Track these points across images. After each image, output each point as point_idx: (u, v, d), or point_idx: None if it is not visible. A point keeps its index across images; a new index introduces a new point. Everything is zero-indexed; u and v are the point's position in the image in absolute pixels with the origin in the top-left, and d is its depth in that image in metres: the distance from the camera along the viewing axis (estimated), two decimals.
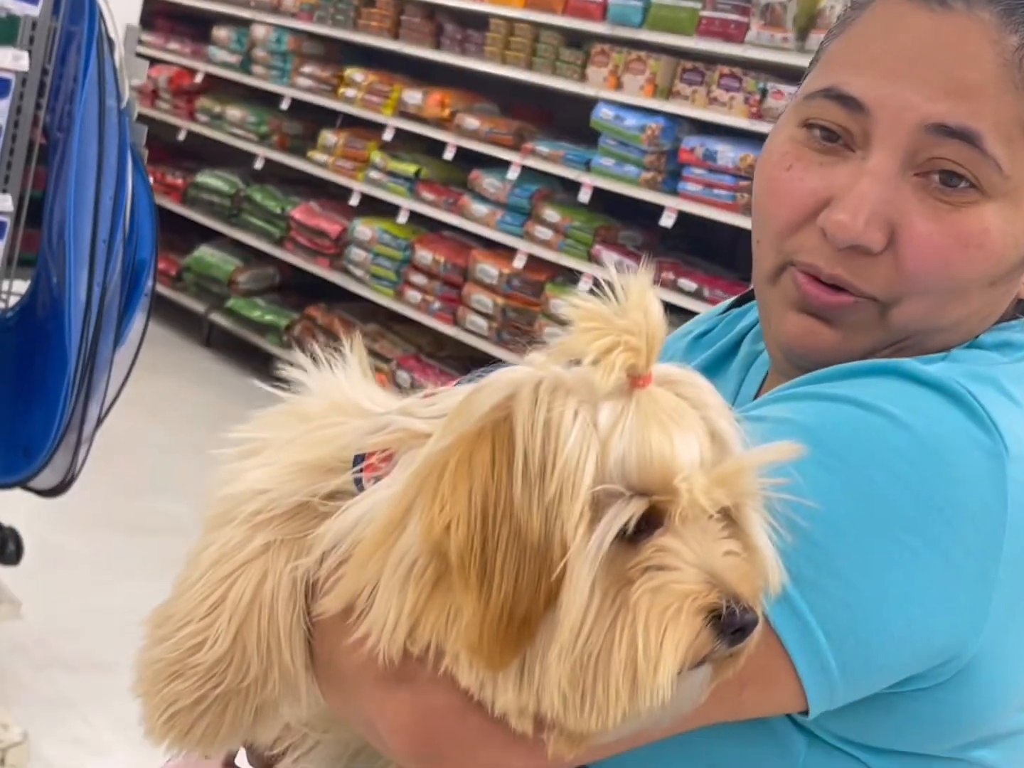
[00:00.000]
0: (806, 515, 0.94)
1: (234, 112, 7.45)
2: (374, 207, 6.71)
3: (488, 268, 5.99)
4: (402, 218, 6.46)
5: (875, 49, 1.09)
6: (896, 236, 1.07)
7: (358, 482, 0.94)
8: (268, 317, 7.01)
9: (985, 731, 1.04)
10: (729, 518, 0.88)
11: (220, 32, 7.64)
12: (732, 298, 1.41)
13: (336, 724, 1.06)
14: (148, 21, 8.19)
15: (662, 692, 0.82)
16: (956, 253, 1.07)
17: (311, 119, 7.20)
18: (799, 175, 1.11)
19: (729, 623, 0.83)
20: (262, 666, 0.98)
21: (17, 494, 3.51)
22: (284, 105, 7.19)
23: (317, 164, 6.97)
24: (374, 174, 6.65)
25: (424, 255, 6.31)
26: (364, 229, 6.61)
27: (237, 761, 1.22)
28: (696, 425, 0.87)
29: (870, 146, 1.08)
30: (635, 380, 0.86)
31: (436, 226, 6.44)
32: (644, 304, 0.86)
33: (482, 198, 6.07)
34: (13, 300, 3.67)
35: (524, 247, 5.83)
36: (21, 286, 3.67)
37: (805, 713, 0.98)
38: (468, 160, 6.21)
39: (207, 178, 7.56)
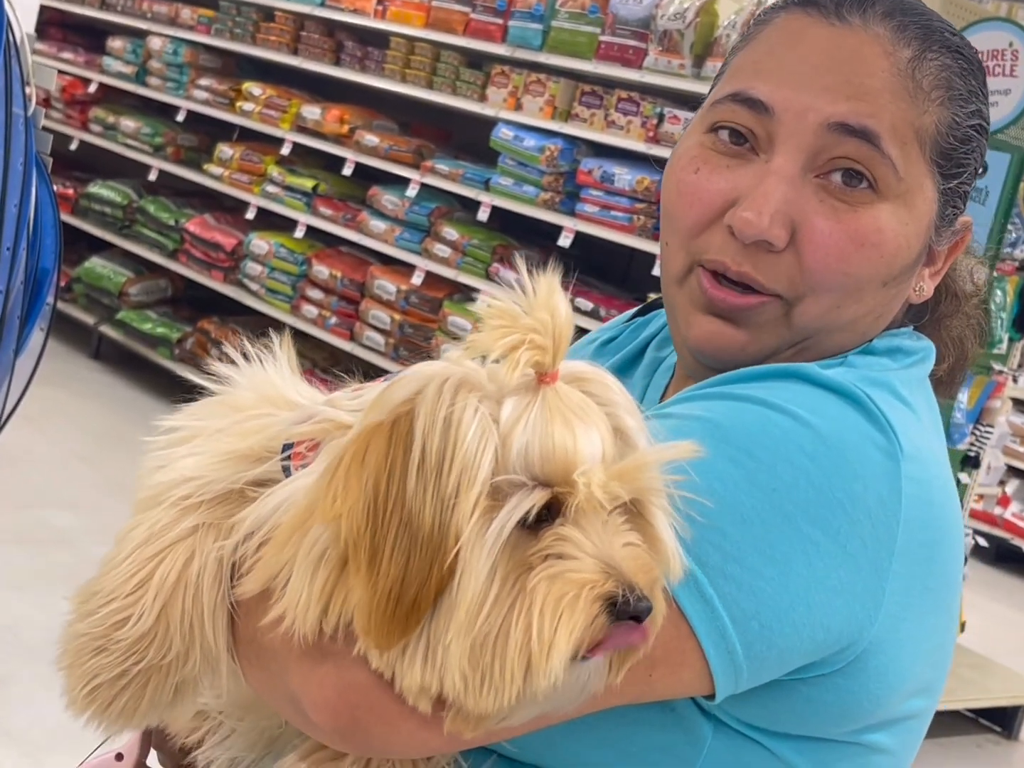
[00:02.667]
0: (715, 506, 1.00)
1: (128, 123, 7.38)
2: (271, 221, 6.70)
3: (386, 284, 6.02)
4: (299, 233, 6.46)
5: (778, 58, 1.17)
6: (797, 234, 1.14)
7: (286, 470, 0.98)
8: (160, 330, 6.95)
9: (880, 716, 1.10)
10: (633, 511, 0.93)
11: (115, 43, 7.57)
12: (637, 307, 1.47)
13: (252, 711, 1.10)
14: (40, 30, 8.07)
15: (554, 676, 0.86)
16: (852, 251, 1.14)
17: (207, 132, 7.17)
18: (706, 177, 1.18)
19: (623, 611, 0.87)
20: (184, 644, 1.01)
21: None
22: (180, 117, 7.15)
23: (213, 177, 6.93)
24: (271, 188, 6.63)
25: (321, 270, 6.32)
26: (260, 243, 6.59)
27: (149, 762, 1.25)
28: (600, 421, 0.91)
29: (773, 148, 1.15)
30: (542, 377, 0.90)
31: (334, 241, 6.45)
32: (551, 304, 0.90)
33: (381, 214, 6.10)
34: None
35: (422, 264, 5.86)
36: None
37: (711, 697, 1.03)
38: (367, 176, 6.23)
39: (99, 189, 7.48)
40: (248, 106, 6.79)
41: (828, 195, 1.14)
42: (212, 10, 7.08)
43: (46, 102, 7.70)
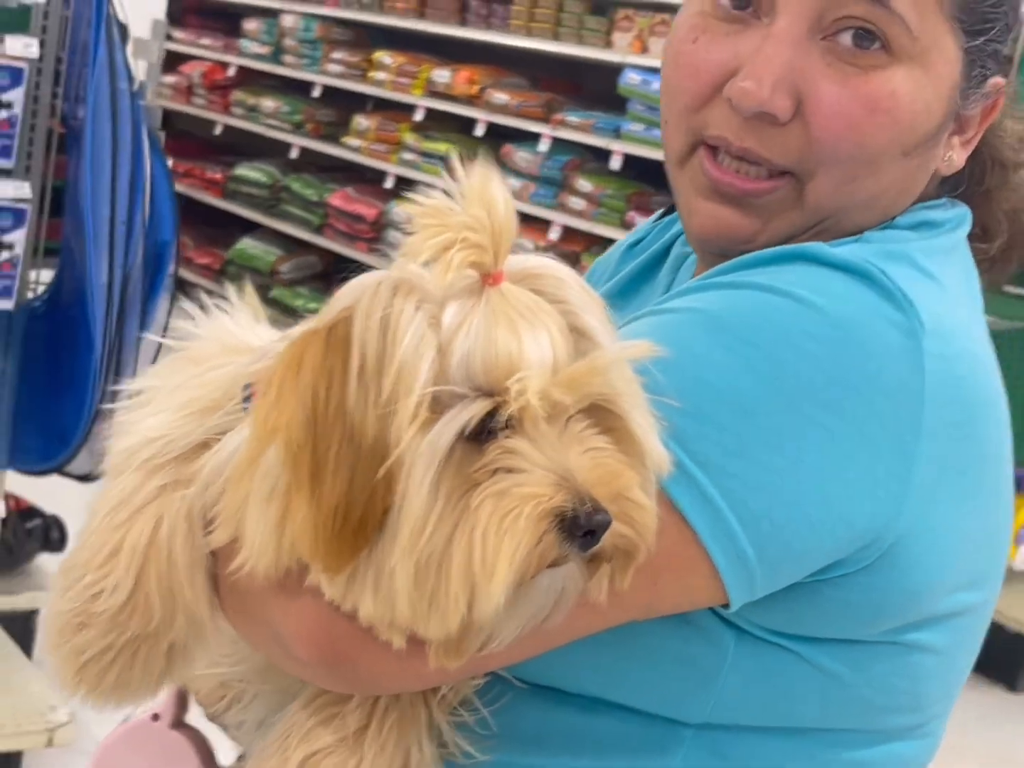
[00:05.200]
0: (711, 399, 0.94)
1: (268, 103, 7.48)
2: (410, 189, 6.69)
3: (523, 242, 5.96)
4: None
5: None
6: (803, 102, 1.04)
7: (247, 411, 0.93)
8: (312, 305, 7.04)
9: (920, 613, 1.02)
10: (604, 415, 0.86)
11: (250, 24, 7.67)
12: (668, 205, 1.38)
13: (273, 673, 1.05)
14: (179, 18, 8.26)
15: (496, 599, 0.80)
16: (864, 117, 1.04)
17: (343, 105, 7.22)
18: (705, 47, 1.08)
19: (575, 525, 0.81)
20: (166, 608, 0.97)
21: (59, 482, 3.55)
22: (316, 93, 7.21)
23: (351, 149, 6.98)
24: (407, 155, 6.65)
25: None
26: (400, 211, 6.61)
27: (187, 720, 1.22)
28: (552, 322, 0.84)
29: (775, 10, 1.05)
30: (485, 278, 0.83)
31: None
32: (487, 197, 0.83)
33: (515, 172, 6.05)
34: (41, 289, 3.70)
35: (558, 219, 5.81)
36: (48, 276, 3.70)
37: (727, 606, 0.96)
38: (499, 136, 6.19)
39: (245, 171, 7.60)
40: (380, 75, 6.81)
41: (836, 58, 1.04)
42: None
43: (189, 90, 7.87)
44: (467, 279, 0.83)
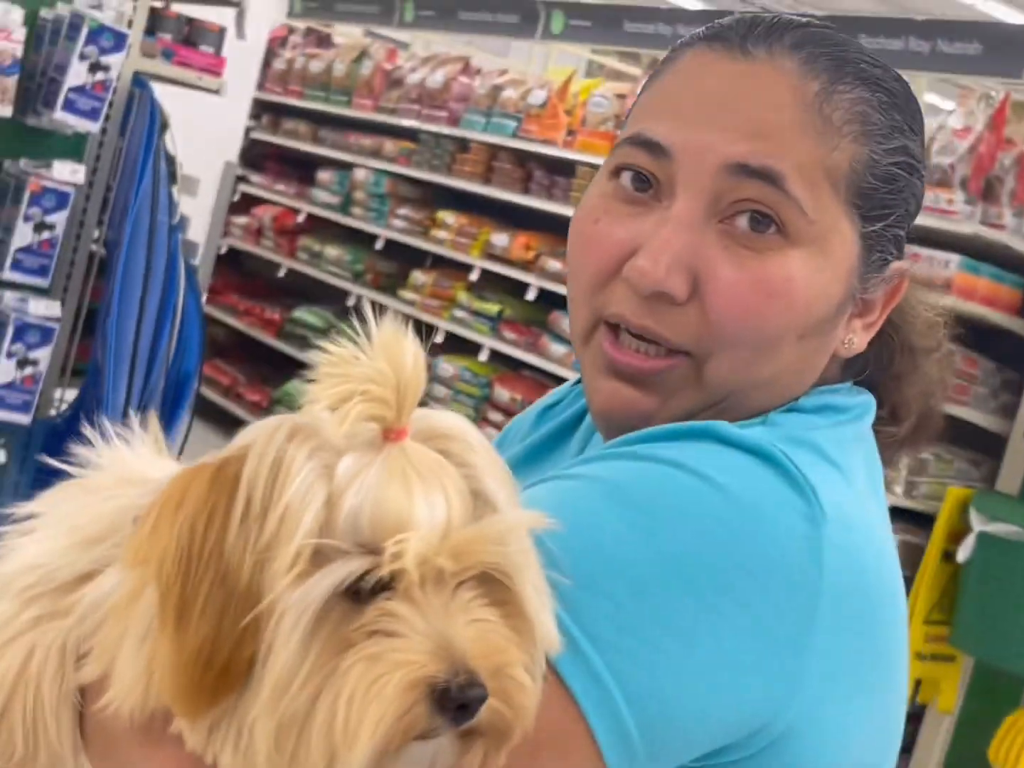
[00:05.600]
0: (608, 574, 0.91)
1: (332, 251, 7.65)
2: (457, 345, 6.79)
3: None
4: (483, 356, 6.53)
5: (679, 97, 1.08)
6: (700, 284, 1.05)
7: None
8: None
9: None
10: (496, 584, 0.83)
11: (324, 175, 7.90)
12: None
13: None
14: (259, 164, 8.53)
15: None
16: (760, 301, 1.04)
17: (403, 259, 7.36)
18: (606, 228, 1.09)
19: (447, 698, 0.77)
20: (28, 744, 0.92)
21: None
22: (379, 245, 7.37)
23: (406, 303, 7.10)
24: (459, 313, 6.75)
25: (502, 393, 6.36)
26: (447, 366, 6.68)
27: None
28: (450, 484, 0.82)
29: (674, 193, 1.06)
30: (387, 433, 0.81)
31: (516, 365, 6.49)
32: (393, 352, 0.81)
33: (560, 338, 6.11)
34: (64, 407, 3.77)
35: None
36: (73, 395, 3.78)
37: None
38: (549, 302, 6.27)
39: (303, 314, 7.74)
40: (442, 234, 6.95)
41: (733, 241, 1.05)
42: (413, 142, 7.31)
43: (258, 232, 8.08)
44: (369, 432, 0.81)
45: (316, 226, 7.94)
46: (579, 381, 1.32)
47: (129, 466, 0.96)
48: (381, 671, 0.77)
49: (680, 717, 0.91)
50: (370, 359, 0.81)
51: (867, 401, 1.14)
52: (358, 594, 0.79)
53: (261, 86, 8.52)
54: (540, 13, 7.02)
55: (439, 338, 6.86)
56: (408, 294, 7.12)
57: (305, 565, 0.77)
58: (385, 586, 0.79)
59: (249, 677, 0.78)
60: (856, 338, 1.12)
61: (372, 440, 0.81)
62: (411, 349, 0.82)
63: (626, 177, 1.09)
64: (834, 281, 1.07)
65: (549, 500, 0.95)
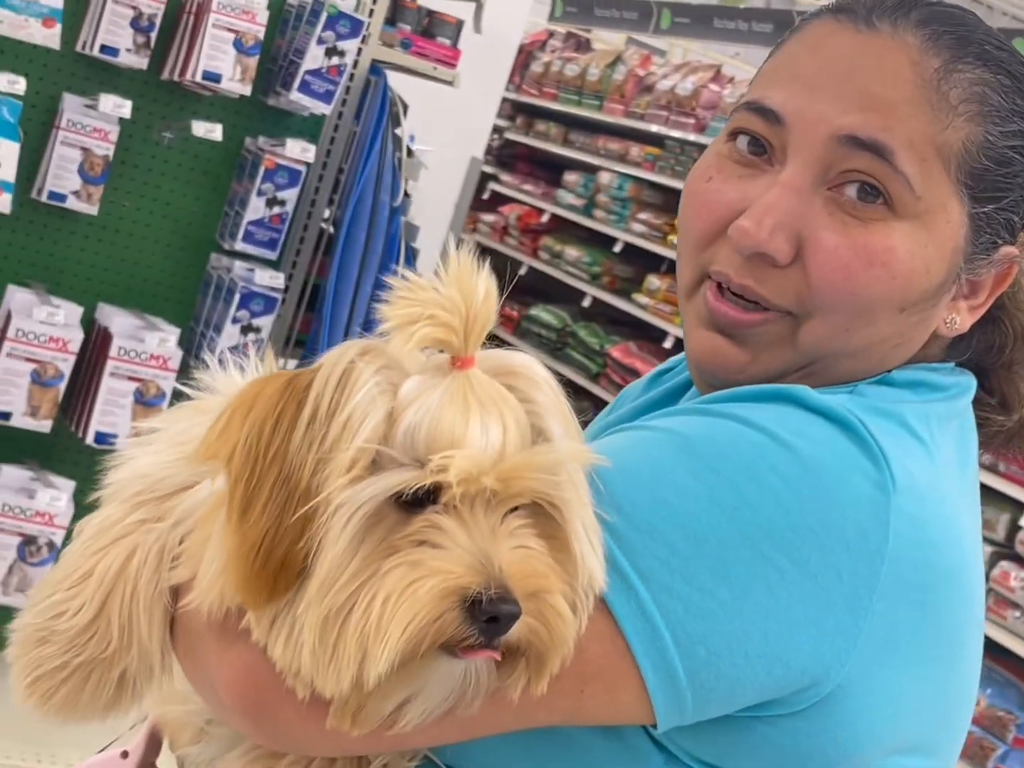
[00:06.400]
0: (667, 519, 0.94)
1: (572, 252, 7.75)
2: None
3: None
4: None
5: (798, 66, 1.10)
6: (803, 248, 1.06)
7: None
8: None
9: (850, 767, 0.99)
10: (547, 520, 0.87)
11: (570, 177, 8.00)
12: None
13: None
14: (510, 163, 8.70)
15: (383, 664, 0.81)
16: (860, 269, 1.05)
17: (640, 263, 7.40)
18: (717, 187, 1.11)
19: (479, 610, 0.81)
20: (123, 638, 0.99)
21: None
22: (617, 248, 7.42)
23: (639, 306, 7.13)
24: None
25: None
26: (681, 356, 6.68)
27: (156, 762, 1.22)
28: (511, 416, 0.85)
29: (786, 159, 1.08)
30: (454, 360, 0.85)
31: None
32: (464, 283, 0.85)
33: None
34: None
35: None
36: (292, 365, 3.95)
37: (655, 727, 0.95)
38: None
39: (540, 312, 7.87)
40: None
41: (838, 209, 1.07)
42: (659, 148, 7.34)
43: (504, 230, 8.25)
44: (439, 359, 0.86)
45: (559, 226, 8.06)
46: None
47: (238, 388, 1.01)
48: (418, 576, 0.81)
49: (728, 664, 0.93)
50: (442, 288, 0.85)
51: (967, 382, 1.13)
52: (410, 506, 0.84)
53: (519, 87, 8.69)
54: (795, 22, 6.94)
55: (668, 343, 6.87)
56: (642, 298, 7.16)
57: (361, 471, 0.82)
58: (436, 502, 0.84)
59: (304, 575, 0.84)
60: (959, 318, 1.12)
61: (440, 366, 0.86)
62: (484, 283, 0.87)
63: (742, 140, 1.11)
64: (937, 258, 1.07)
65: (620, 446, 0.99)
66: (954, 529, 1.03)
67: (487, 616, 0.81)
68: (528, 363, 0.90)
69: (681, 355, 1.37)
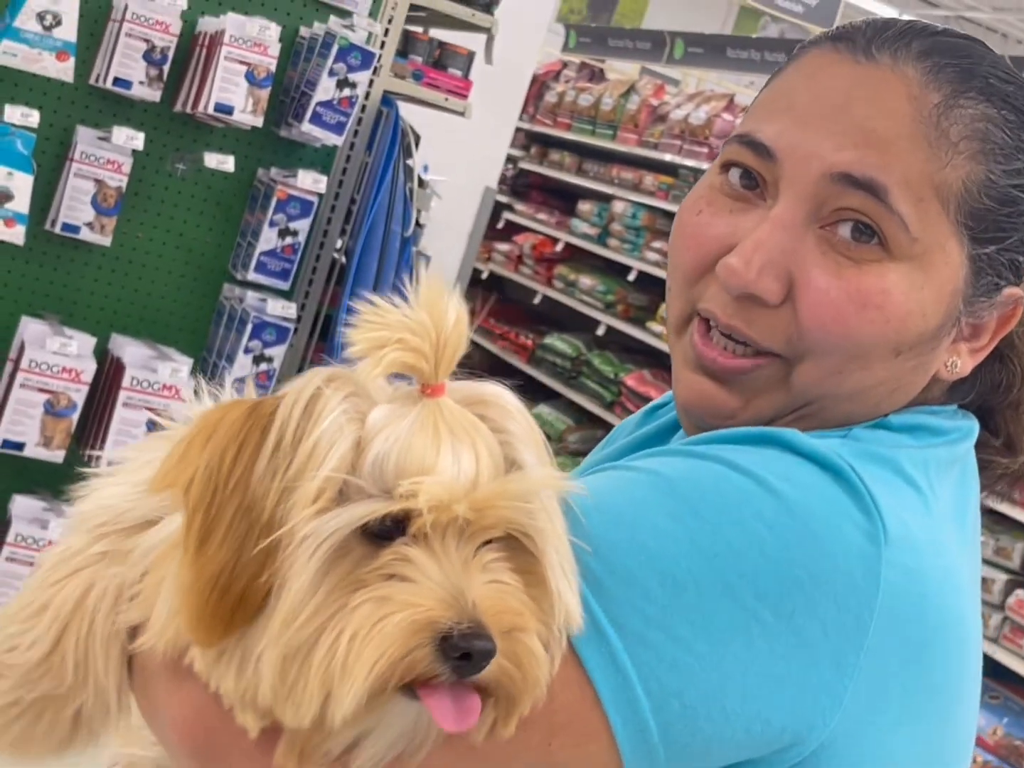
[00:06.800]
0: (643, 563, 0.89)
1: (586, 280, 7.76)
2: None
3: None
4: None
5: (793, 97, 1.05)
6: (794, 288, 1.02)
7: None
8: None
9: None
10: (522, 554, 0.83)
11: (584, 206, 8.02)
12: None
13: None
14: (525, 193, 8.74)
15: (348, 705, 0.77)
16: (853, 311, 1.01)
17: (655, 292, 7.39)
18: (707, 220, 1.08)
19: (450, 645, 0.76)
20: (78, 674, 0.95)
21: None
22: (631, 277, 7.42)
23: (653, 335, 7.13)
24: None
25: None
26: None
27: None
28: (483, 445, 0.82)
29: (778, 194, 1.04)
30: (424, 388, 0.82)
31: None
32: (435, 306, 0.82)
33: None
34: None
35: None
36: None
37: None
38: None
39: (554, 340, 7.87)
40: None
41: (831, 248, 1.02)
42: (672, 177, 7.35)
43: (519, 259, 8.27)
44: (408, 389, 0.83)
45: (573, 255, 8.07)
46: None
47: None
48: (386, 612, 0.77)
49: (704, 720, 0.88)
50: (411, 311, 0.81)
51: (969, 426, 1.10)
52: (379, 538, 0.80)
53: (533, 117, 8.72)
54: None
55: None
56: (656, 326, 7.15)
57: (327, 502, 0.78)
58: (405, 533, 0.80)
59: (262, 610, 0.79)
60: (960, 361, 1.08)
61: (409, 395, 0.83)
62: (455, 307, 0.82)
63: (734, 173, 1.07)
64: (934, 300, 1.03)
65: (600, 486, 0.95)
66: (951, 581, 0.98)
67: (459, 652, 0.77)
68: (500, 393, 0.86)
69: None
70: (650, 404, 1.35)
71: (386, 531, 0.80)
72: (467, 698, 0.79)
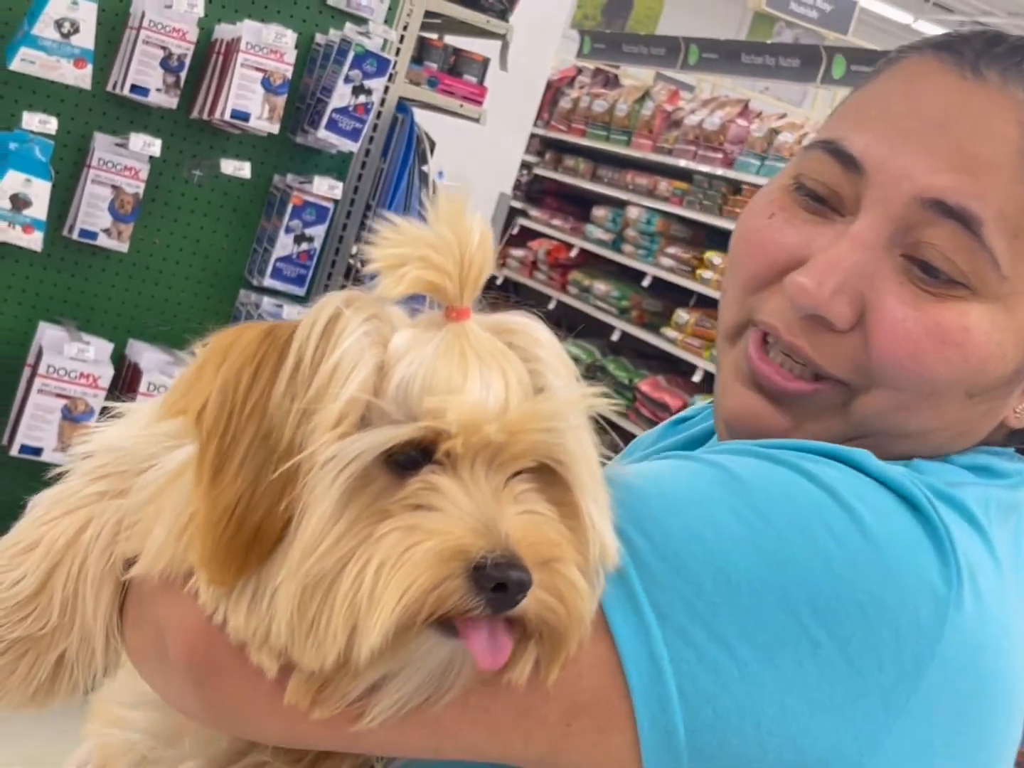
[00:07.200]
0: (700, 558, 0.83)
1: (600, 286, 7.77)
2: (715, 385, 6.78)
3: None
4: None
5: (888, 106, 0.98)
6: (867, 314, 0.95)
7: None
8: None
9: None
10: (554, 484, 0.78)
11: (599, 211, 8.03)
12: None
13: (174, 737, 0.96)
14: (540, 199, 8.75)
15: (377, 637, 0.72)
16: (930, 347, 0.94)
17: (669, 297, 7.40)
18: (779, 226, 1.00)
19: (483, 575, 0.71)
20: (64, 615, 0.90)
21: None
22: (646, 282, 7.43)
23: (668, 340, 7.14)
24: None
25: None
26: (702, 405, 6.68)
27: None
28: (512, 372, 0.77)
29: (859, 210, 0.97)
30: (449, 312, 0.77)
31: None
32: (457, 224, 0.76)
33: None
34: None
35: None
36: None
37: None
38: None
39: (569, 346, 7.84)
40: (707, 274, 6.96)
41: (911, 278, 0.95)
42: (686, 183, 7.36)
43: (533, 264, 8.28)
44: (432, 313, 0.78)
45: (588, 261, 8.08)
46: None
47: None
48: (414, 540, 0.72)
49: (734, 734, 0.82)
50: (432, 227, 0.76)
51: None
52: (404, 467, 0.75)
53: (547, 123, 8.74)
54: (822, 58, 6.98)
55: (697, 377, 6.87)
56: (671, 332, 7.15)
57: (349, 427, 0.73)
58: (433, 461, 0.75)
59: (279, 543, 0.75)
60: None
61: (434, 319, 0.78)
62: (480, 227, 0.77)
63: (811, 180, 1.00)
64: (1016, 343, 0.97)
65: (660, 471, 0.90)
66: (1008, 632, 0.91)
67: (494, 583, 0.71)
68: (528, 322, 0.82)
69: (701, 406, 1.29)
70: (672, 417, 1.30)
71: (411, 460, 0.75)
72: (500, 635, 0.75)
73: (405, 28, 3.80)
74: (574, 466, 0.77)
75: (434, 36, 4.22)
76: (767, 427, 1.00)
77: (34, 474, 3.29)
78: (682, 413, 1.29)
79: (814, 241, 0.98)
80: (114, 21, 3.48)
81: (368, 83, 3.49)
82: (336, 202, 3.63)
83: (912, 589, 0.84)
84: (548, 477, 0.78)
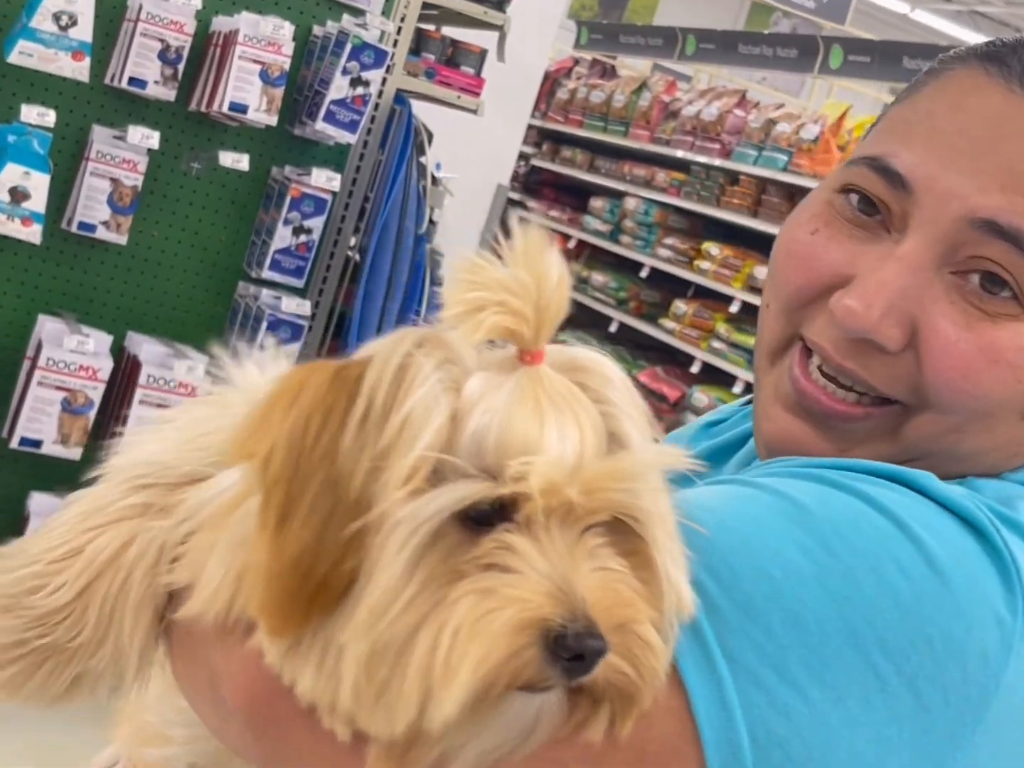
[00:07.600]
0: (769, 598, 0.82)
1: (598, 277, 7.78)
2: (713, 376, 6.79)
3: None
4: (737, 388, 6.51)
5: (935, 122, 0.96)
6: (917, 336, 0.94)
7: None
8: None
9: None
10: (626, 534, 0.76)
11: (596, 202, 8.04)
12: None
13: (221, 756, 0.93)
14: (537, 190, 8.75)
15: (451, 709, 0.69)
16: (983, 367, 0.92)
17: (666, 288, 7.42)
18: (823, 242, 0.99)
19: (562, 645, 0.69)
20: (97, 632, 0.88)
21: None
22: (643, 273, 7.45)
23: (666, 331, 7.15)
24: (717, 344, 6.75)
25: None
26: (701, 396, 6.69)
27: None
28: (586, 418, 0.74)
29: (907, 229, 0.95)
30: (523, 355, 0.75)
31: None
32: (536, 263, 0.74)
33: None
34: None
35: None
36: None
37: None
38: None
39: (566, 337, 7.85)
40: (705, 265, 6.97)
41: (962, 297, 0.93)
42: (684, 173, 7.37)
43: None
44: (504, 353, 0.76)
45: (585, 252, 8.10)
46: (749, 401, 1.21)
47: (258, 387, 0.88)
48: (491, 606, 0.70)
49: None
50: (510, 269, 0.74)
51: None
52: (477, 523, 0.72)
53: (545, 114, 8.74)
54: (820, 47, 6.99)
55: (695, 368, 6.88)
56: (668, 323, 7.17)
57: (421, 482, 0.71)
58: (507, 518, 0.73)
59: (346, 597, 0.72)
60: None
61: (506, 361, 0.75)
62: (557, 265, 0.75)
63: (855, 197, 0.98)
64: None
65: (717, 500, 0.88)
66: None
67: (572, 654, 0.70)
68: (599, 359, 0.80)
69: (732, 407, 1.27)
70: (703, 419, 1.28)
71: (485, 515, 0.72)
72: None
73: (402, 19, 3.80)
74: (650, 524, 0.76)
75: (431, 27, 4.22)
76: (808, 453, 0.97)
77: (34, 466, 3.30)
78: (713, 415, 1.28)
79: (860, 259, 0.97)
80: (112, 14, 3.48)
81: (366, 75, 3.49)
82: (334, 194, 3.63)
83: (979, 620, 0.83)
84: (619, 525, 0.76)
